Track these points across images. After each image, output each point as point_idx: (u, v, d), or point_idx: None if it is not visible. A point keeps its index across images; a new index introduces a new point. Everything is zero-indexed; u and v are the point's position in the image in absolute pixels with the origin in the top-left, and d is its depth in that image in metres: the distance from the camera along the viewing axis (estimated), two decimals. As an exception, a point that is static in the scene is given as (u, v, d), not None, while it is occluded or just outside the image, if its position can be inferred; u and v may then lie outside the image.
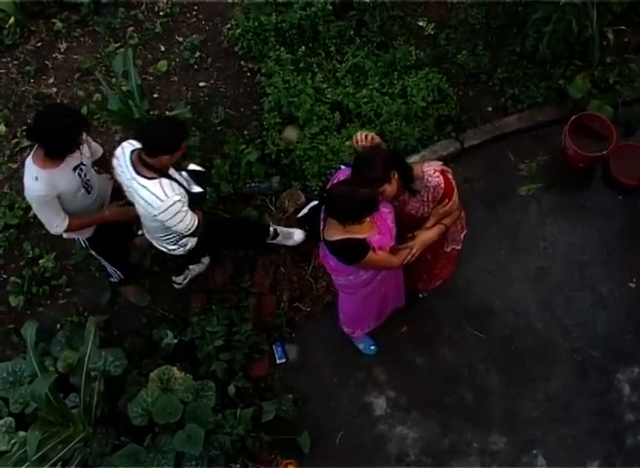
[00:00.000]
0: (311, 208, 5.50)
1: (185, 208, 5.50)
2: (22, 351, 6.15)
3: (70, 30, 7.89)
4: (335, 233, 5.12)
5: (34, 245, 7.05)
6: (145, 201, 5.43)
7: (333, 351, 6.67)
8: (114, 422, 5.93)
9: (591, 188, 7.08)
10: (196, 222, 5.62)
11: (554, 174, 7.11)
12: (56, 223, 5.66)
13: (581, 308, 6.67)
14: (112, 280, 6.64)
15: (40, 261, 6.94)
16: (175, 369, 6.09)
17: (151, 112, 7.19)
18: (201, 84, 7.67)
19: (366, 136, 5.31)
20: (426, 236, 5.37)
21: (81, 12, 7.89)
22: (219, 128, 7.42)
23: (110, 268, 6.44)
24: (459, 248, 5.96)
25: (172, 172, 5.57)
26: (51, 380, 5.30)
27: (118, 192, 5.91)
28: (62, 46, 7.85)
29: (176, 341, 6.52)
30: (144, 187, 5.41)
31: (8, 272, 7.02)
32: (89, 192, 5.77)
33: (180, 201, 5.43)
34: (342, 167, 5.44)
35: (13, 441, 5.75)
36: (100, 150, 6.01)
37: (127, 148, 5.57)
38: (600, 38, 6.97)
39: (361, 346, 6.63)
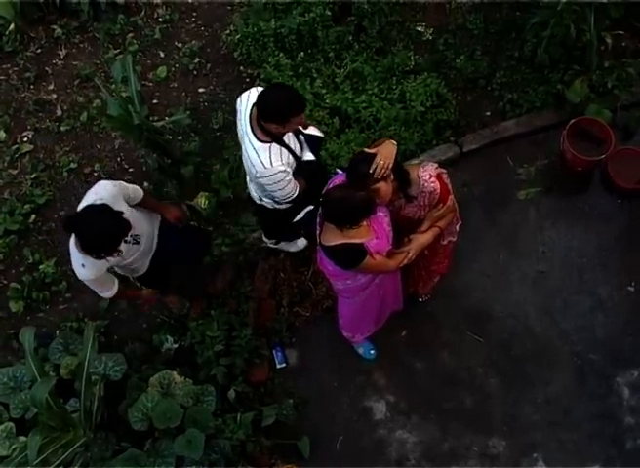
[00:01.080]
0: (307, 212, 5.51)
1: (288, 178, 5.44)
2: (23, 356, 6.14)
3: (70, 37, 7.92)
4: (332, 238, 5.13)
5: (34, 251, 7.07)
6: (251, 161, 5.41)
7: (332, 356, 6.68)
8: (114, 427, 5.92)
9: (590, 192, 7.09)
10: (296, 192, 5.54)
11: (553, 178, 7.12)
12: (107, 293, 5.69)
13: (581, 312, 6.68)
14: None
15: (40, 267, 6.95)
16: (175, 373, 6.10)
17: (151, 118, 7.21)
18: (200, 90, 7.69)
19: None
20: (422, 239, 5.38)
21: (80, 18, 7.92)
22: (218, 133, 7.45)
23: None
24: (454, 239, 5.95)
25: (287, 136, 5.48)
26: (50, 385, 5.29)
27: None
28: (62, 52, 7.87)
29: (176, 346, 6.54)
30: (253, 148, 5.37)
31: (8, 278, 7.04)
32: (138, 242, 5.68)
33: (283, 171, 5.38)
34: (339, 171, 5.44)
35: (13, 446, 5.74)
36: (139, 192, 5.74)
37: (252, 97, 5.40)
38: (598, 43, 6.98)
39: (361, 351, 6.64)
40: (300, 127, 5.58)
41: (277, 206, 5.84)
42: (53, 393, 5.34)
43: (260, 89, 5.41)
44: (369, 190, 5.00)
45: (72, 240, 5.29)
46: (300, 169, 5.60)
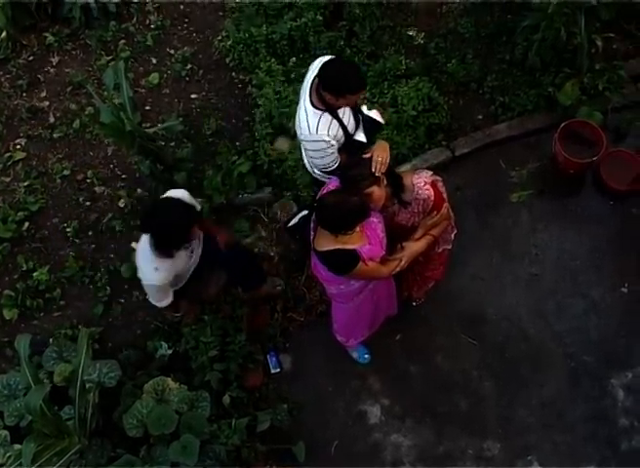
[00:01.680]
0: (301, 218, 5.51)
1: (331, 150, 5.50)
2: (17, 364, 6.15)
3: (62, 44, 7.93)
4: (325, 243, 5.14)
5: (28, 258, 7.05)
6: (300, 122, 5.52)
7: (327, 360, 6.69)
8: (109, 434, 5.91)
9: (582, 194, 7.11)
10: (334, 166, 5.58)
11: (545, 180, 7.15)
12: (164, 302, 5.88)
13: (574, 314, 6.70)
14: None
15: (34, 274, 6.94)
16: (169, 380, 6.09)
17: (143, 125, 7.22)
18: (192, 96, 7.70)
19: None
20: (415, 247, 5.41)
21: (72, 25, 7.92)
22: (210, 139, 7.45)
23: None
24: (449, 247, 5.98)
25: (343, 111, 5.53)
26: (45, 392, 5.29)
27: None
28: (54, 59, 7.88)
29: (170, 352, 6.53)
30: (305, 111, 5.48)
31: (2, 285, 7.02)
32: (192, 254, 5.89)
33: (326, 141, 5.45)
34: (333, 177, 5.46)
35: (8, 454, 5.72)
36: (198, 208, 5.93)
37: (319, 65, 5.51)
38: (589, 45, 7.00)
39: (355, 355, 6.64)
40: (363, 108, 5.76)
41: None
42: (47, 400, 5.32)
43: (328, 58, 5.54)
44: (362, 195, 5.01)
45: (143, 245, 5.51)
46: (350, 146, 5.64)
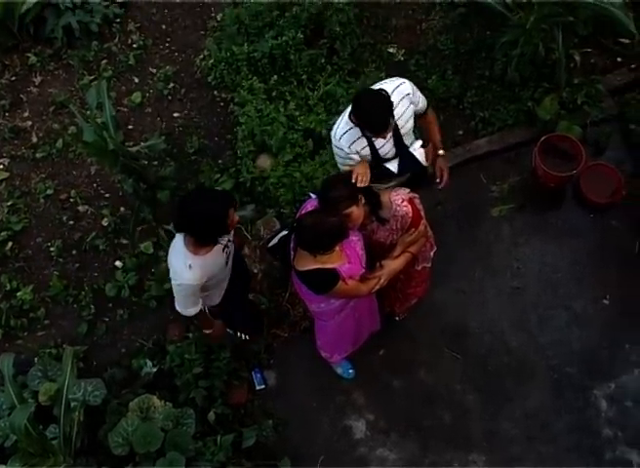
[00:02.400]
0: (281, 238, 5.54)
1: (351, 161, 5.57)
2: (1, 384, 6.13)
3: (44, 64, 7.97)
4: (305, 263, 5.17)
5: (12, 277, 7.08)
6: (336, 121, 5.65)
7: (311, 376, 6.70)
8: (94, 453, 5.92)
9: (562, 208, 7.16)
10: (346, 171, 5.54)
11: (525, 194, 7.20)
12: (192, 309, 5.59)
13: (556, 326, 6.73)
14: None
15: (18, 294, 6.97)
16: (154, 397, 6.11)
17: (126, 143, 7.25)
18: (175, 114, 7.74)
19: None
20: (394, 265, 5.44)
21: (55, 46, 7.96)
22: (193, 157, 7.49)
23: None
24: (429, 265, 6.04)
25: (380, 142, 5.54)
26: (29, 411, 5.29)
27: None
28: (37, 79, 7.91)
29: (155, 370, 6.55)
30: (343, 116, 5.60)
31: (-15, 306, 7.03)
32: (227, 263, 5.70)
33: (346, 152, 5.53)
34: (312, 196, 5.48)
35: (-7, 474, 5.74)
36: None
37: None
38: (567, 60, 7.09)
39: (339, 370, 6.66)
40: (417, 143, 5.76)
41: None
42: (32, 419, 5.33)
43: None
44: (341, 215, 5.05)
45: (175, 243, 5.35)
46: (378, 169, 5.63)
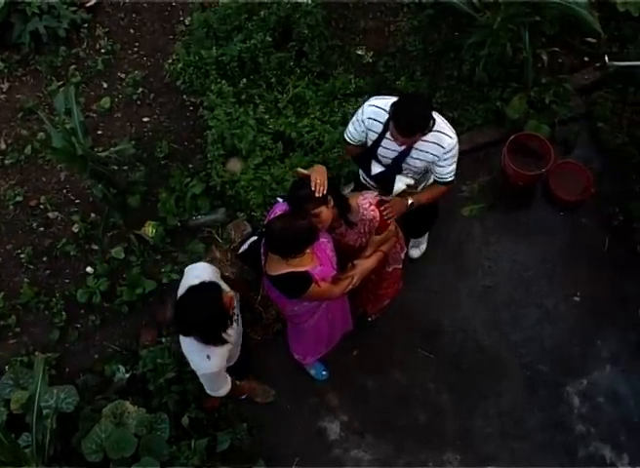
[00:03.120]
0: (251, 243, 5.55)
1: (356, 124, 5.61)
2: (-28, 393, 6.12)
3: (12, 70, 7.90)
4: (276, 267, 5.17)
5: (-19, 286, 7.03)
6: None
7: (285, 378, 6.70)
8: (68, 460, 5.87)
9: (532, 206, 7.22)
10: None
11: (495, 193, 7.25)
12: (224, 389, 5.50)
13: (528, 324, 6.79)
14: None
15: (-12, 302, 6.92)
16: (127, 403, 6.09)
17: (95, 149, 7.21)
18: (144, 119, 7.71)
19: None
20: (366, 265, 5.46)
21: (22, 51, 7.90)
22: (163, 162, 7.47)
23: None
24: (400, 266, 6.06)
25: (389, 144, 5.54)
26: (1, 420, 5.27)
27: None
28: (4, 86, 7.85)
29: (128, 376, 6.52)
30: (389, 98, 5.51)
31: (-44, 314, 6.97)
32: (239, 325, 5.65)
33: (362, 117, 5.53)
34: (280, 200, 5.46)
35: (-35, 484, 5.69)
36: (217, 276, 5.58)
37: None
38: (535, 60, 7.14)
39: (313, 372, 6.66)
40: (400, 183, 5.72)
41: None
42: (3, 428, 5.33)
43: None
44: (310, 215, 5.06)
45: (188, 339, 5.11)
46: (363, 156, 5.77)
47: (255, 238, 5.55)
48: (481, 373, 6.63)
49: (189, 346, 5.18)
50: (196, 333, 5.02)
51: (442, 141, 5.45)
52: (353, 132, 5.66)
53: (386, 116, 5.41)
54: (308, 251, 5.14)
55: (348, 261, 5.46)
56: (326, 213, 5.15)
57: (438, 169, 5.60)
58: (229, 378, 5.50)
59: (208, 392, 5.54)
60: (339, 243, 5.47)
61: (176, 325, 5.17)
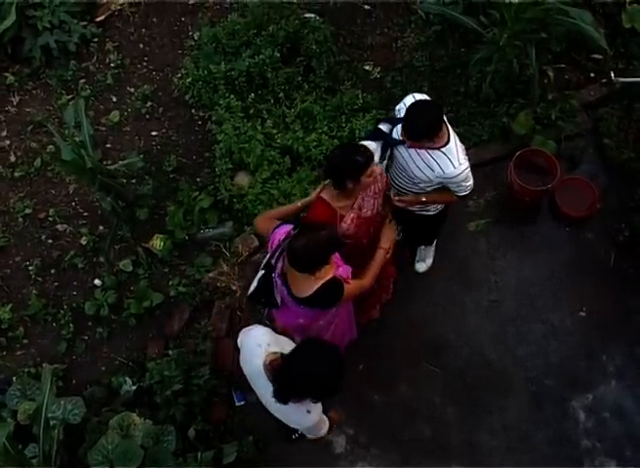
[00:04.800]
0: (260, 279, 5.46)
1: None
2: (-21, 404, 6.16)
3: (22, 84, 7.96)
4: (307, 287, 5.13)
5: (-11, 297, 7.07)
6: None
7: (291, 391, 6.69)
8: (75, 471, 5.92)
9: (538, 222, 7.24)
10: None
11: (502, 209, 7.27)
12: (324, 428, 5.17)
13: (534, 339, 6.79)
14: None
15: (-4, 313, 6.96)
16: (134, 415, 6.12)
17: (104, 162, 7.27)
18: (153, 133, 7.75)
19: None
20: (388, 233, 5.63)
21: (33, 65, 7.96)
22: (171, 176, 7.51)
23: None
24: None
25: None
26: (7, 431, 5.28)
27: None
28: (15, 99, 7.91)
29: (134, 388, 6.55)
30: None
31: (-36, 325, 7.00)
32: None
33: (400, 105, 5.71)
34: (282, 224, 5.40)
35: (-28, 494, 5.71)
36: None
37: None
38: (541, 76, 7.19)
39: (319, 385, 6.65)
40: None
41: None
42: (11, 438, 5.31)
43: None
44: (365, 177, 5.26)
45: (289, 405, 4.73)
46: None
47: (262, 273, 5.44)
48: (487, 388, 6.64)
49: (285, 410, 4.78)
50: (315, 396, 4.69)
51: (446, 167, 5.53)
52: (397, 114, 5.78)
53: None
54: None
55: (355, 263, 5.49)
56: (375, 174, 5.35)
57: (453, 187, 5.69)
58: (325, 417, 5.13)
59: (310, 436, 5.27)
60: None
61: (286, 394, 4.63)
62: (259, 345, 4.91)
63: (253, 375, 4.95)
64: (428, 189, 5.81)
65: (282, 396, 4.61)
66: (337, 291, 5.18)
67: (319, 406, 4.88)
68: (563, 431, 6.48)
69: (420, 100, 5.58)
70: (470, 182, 5.69)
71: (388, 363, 6.77)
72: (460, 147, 5.62)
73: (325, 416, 5.08)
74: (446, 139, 5.51)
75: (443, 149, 5.50)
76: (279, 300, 5.38)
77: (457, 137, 5.63)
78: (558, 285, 6.97)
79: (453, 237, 7.13)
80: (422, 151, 5.53)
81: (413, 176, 5.71)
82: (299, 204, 5.68)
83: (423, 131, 5.37)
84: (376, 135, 5.77)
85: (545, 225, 7.21)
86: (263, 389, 4.82)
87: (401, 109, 5.66)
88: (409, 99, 5.64)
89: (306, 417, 4.84)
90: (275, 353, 4.79)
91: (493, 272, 7.04)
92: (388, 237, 5.63)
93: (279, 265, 5.25)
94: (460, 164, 5.54)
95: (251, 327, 5.23)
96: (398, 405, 6.65)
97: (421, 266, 7.02)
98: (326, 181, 5.51)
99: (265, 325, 6.56)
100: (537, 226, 7.22)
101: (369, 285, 5.45)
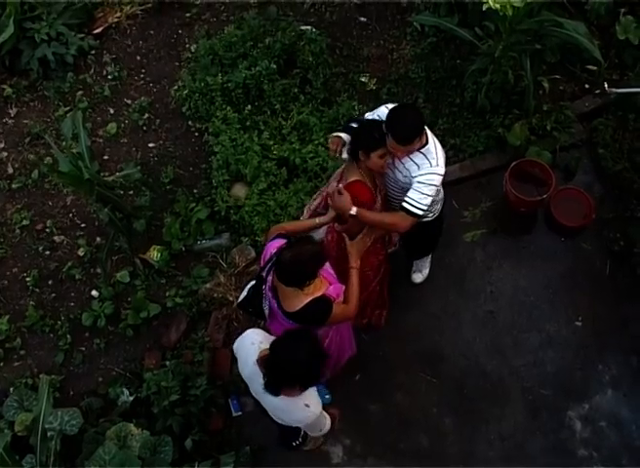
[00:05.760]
0: (250, 289, 5.49)
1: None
2: (-24, 415, 6.16)
3: (20, 95, 8.00)
4: (295, 302, 5.17)
5: (-14, 309, 7.08)
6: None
7: (288, 401, 6.70)
8: (71, 482, 5.91)
9: (534, 232, 7.26)
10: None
11: (497, 219, 7.29)
12: (327, 424, 5.41)
13: (530, 348, 6.80)
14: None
15: (-7, 324, 6.96)
16: (131, 425, 6.10)
17: (102, 173, 7.29)
18: (150, 145, 7.79)
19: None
20: (355, 249, 5.58)
21: (30, 77, 8.01)
22: (168, 187, 7.53)
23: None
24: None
25: None
26: (5, 441, 5.29)
27: None
28: (12, 111, 7.95)
29: (132, 399, 6.55)
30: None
31: (-38, 337, 7.01)
32: None
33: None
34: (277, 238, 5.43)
35: (-31, 505, 5.70)
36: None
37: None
38: (536, 87, 7.24)
39: (316, 395, 6.67)
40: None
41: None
42: (8, 449, 5.32)
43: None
44: (380, 157, 5.48)
45: (282, 403, 4.95)
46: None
47: (253, 282, 5.48)
48: (483, 398, 6.64)
49: (285, 407, 4.99)
50: (302, 381, 4.82)
51: (422, 165, 5.56)
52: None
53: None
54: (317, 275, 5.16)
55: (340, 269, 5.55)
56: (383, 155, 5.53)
57: (410, 191, 5.60)
58: (325, 412, 5.34)
59: (314, 435, 5.53)
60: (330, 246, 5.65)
61: (277, 383, 4.82)
62: (252, 343, 5.12)
63: (251, 377, 5.10)
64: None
65: (272, 386, 4.80)
66: (324, 308, 5.20)
67: (315, 396, 5.04)
68: (560, 440, 6.48)
69: (397, 105, 5.65)
70: (431, 199, 5.59)
71: (385, 373, 6.78)
72: (441, 151, 5.65)
73: (325, 413, 5.27)
74: (425, 140, 5.55)
75: (422, 150, 5.55)
76: (267, 312, 5.42)
77: (437, 141, 5.66)
78: (554, 294, 6.99)
79: (449, 247, 7.15)
80: (405, 158, 5.59)
81: (401, 185, 5.75)
82: (316, 220, 5.68)
83: (414, 131, 5.42)
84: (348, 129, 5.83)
85: (541, 235, 7.23)
86: (262, 392, 4.93)
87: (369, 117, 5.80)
88: (382, 111, 5.71)
89: (307, 412, 4.99)
90: (267, 349, 4.94)
91: (489, 282, 7.06)
92: (356, 254, 5.56)
93: (270, 278, 5.29)
94: (437, 165, 5.58)
95: (245, 333, 5.33)
96: (395, 415, 6.65)
97: (418, 277, 7.03)
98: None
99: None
100: (532, 236, 7.24)
101: (354, 308, 5.43)
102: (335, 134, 5.76)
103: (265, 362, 4.86)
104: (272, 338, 5.12)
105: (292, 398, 4.91)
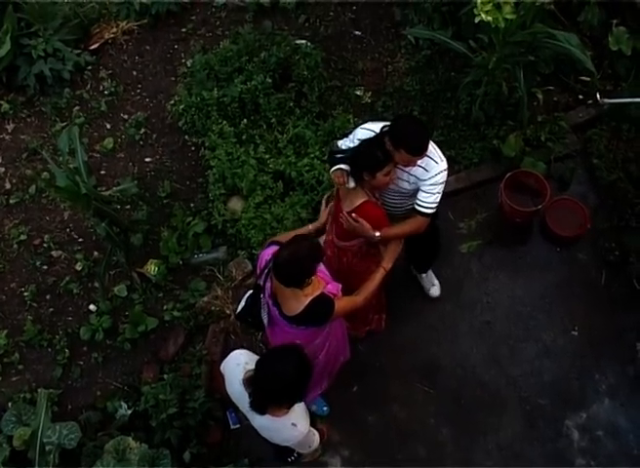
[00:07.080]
0: (247, 298, 5.51)
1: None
2: (-25, 430, 6.16)
3: (17, 111, 8.04)
4: (295, 304, 5.18)
5: (-16, 324, 7.08)
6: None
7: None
8: (70, 496, 5.92)
9: (530, 242, 7.28)
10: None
11: (493, 230, 7.32)
12: (316, 441, 5.39)
13: (527, 358, 6.81)
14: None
15: (-9, 340, 6.97)
16: (130, 439, 6.11)
17: (99, 188, 7.31)
18: (147, 159, 7.82)
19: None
20: (392, 251, 5.65)
21: (27, 93, 8.05)
22: (165, 201, 7.56)
23: None
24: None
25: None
26: (3, 456, 5.31)
27: None
28: (10, 126, 7.99)
29: (130, 412, 6.55)
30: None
31: (-40, 351, 7.02)
32: None
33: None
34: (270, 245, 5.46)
35: (-32, 520, 5.72)
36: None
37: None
38: (530, 98, 7.26)
39: (314, 408, 6.64)
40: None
41: None
42: (6, 464, 5.34)
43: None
44: (385, 175, 5.45)
45: (267, 422, 4.95)
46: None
47: (250, 292, 5.50)
48: (481, 408, 6.65)
49: (273, 426, 4.99)
50: (287, 398, 4.83)
51: (429, 166, 5.61)
52: (341, 146, 5.83)
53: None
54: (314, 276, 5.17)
55: (349, 284, 5.56)
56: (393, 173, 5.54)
57: (422, 194, 5.69)
58: (314, 429, 5.33)
59: (303, 452, 5.49)
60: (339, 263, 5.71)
61: (262, 401, 4.83)
62: (237, 364, 5.09)
63: (238, 398, 5.11)
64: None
65: (258, 405, 4.80)
66: (326, 306, 5.23)
67: (303, 415, 5.04)
68: (557, 450, 6.49)
69: (399, 120, 5.67)
70: (439, 195, 5.74)
71: (382, 384, 6.78)
72: (435, 145, 5.72)
73: (314, 429, 5.26)
74: None
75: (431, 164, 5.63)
76: (266, 321, 5.42)
77: (431, 141, 5.69)
78: (550, 304, 7.01)
79: (445, 259, 7.16)
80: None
81: (405, 192, 5.80)
82: (310, 227, 5.76)
83: (426, 139, 5.50)
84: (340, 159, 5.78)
85: (536, 246, 7.25)
86: (250, 412, 4.93)
87: (348, 143, 5.76)
88: (361, 133, 5.70)
89: (295, 431, 4.96)
90: (252, 370, 4.92)
91: (485, 293, 7.08)
92: (391, 256, 5.67)
93: (268, 285, 5.30)
94: (441, 160, 5.68)
95: (231, 354, 5.31)
96: (392, 425, 6.66)
97: (435, 290, 7.05)
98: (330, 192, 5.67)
99: (259, 348, 6.68)
100: (528, 247, 7.26)
101: (362, 302, 5.48)
102: (334, 168, 5.67)
103: (250, 381, 4.87)
104: (257, 358, 5.07)
105: (279, 417, 4.90)
